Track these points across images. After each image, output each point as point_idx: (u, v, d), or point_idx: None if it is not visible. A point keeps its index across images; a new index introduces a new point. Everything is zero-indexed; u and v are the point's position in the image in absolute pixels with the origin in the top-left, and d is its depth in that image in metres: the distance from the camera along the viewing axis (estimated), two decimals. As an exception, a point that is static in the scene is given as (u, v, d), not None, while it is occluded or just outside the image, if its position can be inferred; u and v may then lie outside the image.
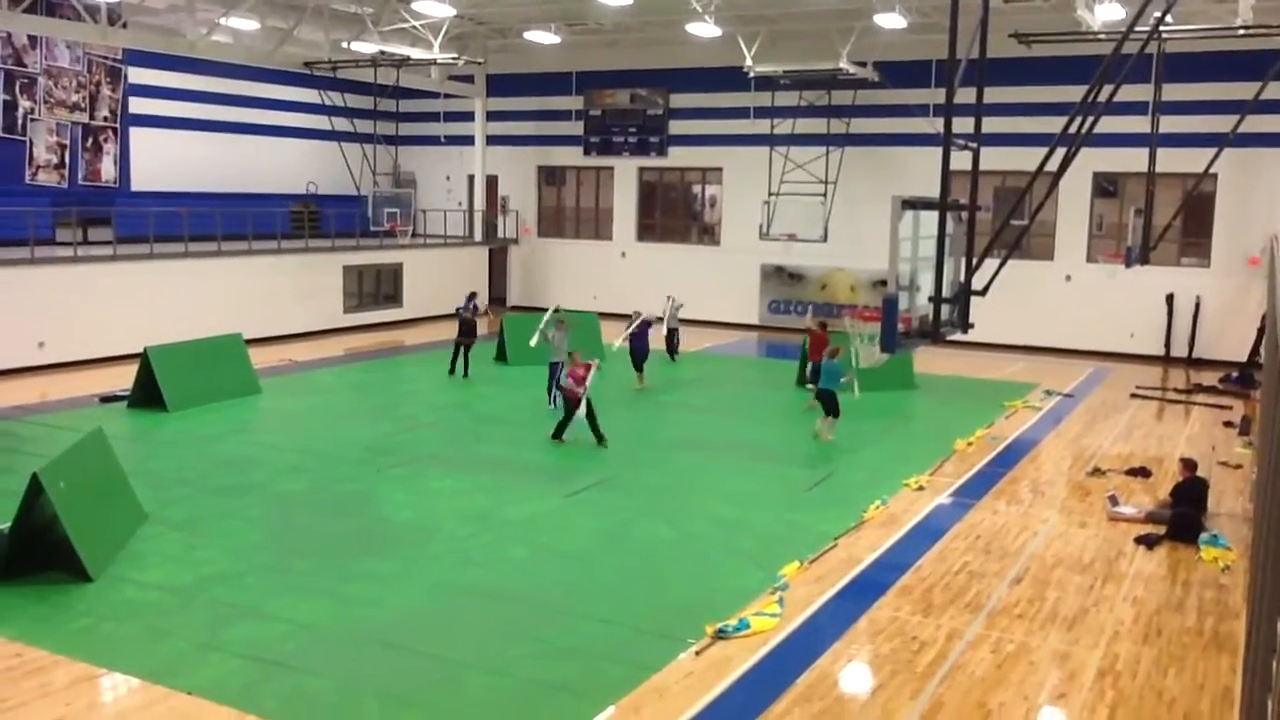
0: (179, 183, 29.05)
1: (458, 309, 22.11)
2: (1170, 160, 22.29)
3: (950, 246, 10.71)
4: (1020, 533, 12.36)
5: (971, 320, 11.19)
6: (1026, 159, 13.92)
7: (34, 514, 10.11)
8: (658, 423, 17.94)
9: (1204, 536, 11.98)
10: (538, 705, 7.98)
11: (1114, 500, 13.28)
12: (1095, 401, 20.70)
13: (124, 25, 25.78)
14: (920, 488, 14.10)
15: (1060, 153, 11.24)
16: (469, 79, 32.78)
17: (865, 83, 27.32)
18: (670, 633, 9.18)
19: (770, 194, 29.40)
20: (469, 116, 33.64)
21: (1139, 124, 21.53)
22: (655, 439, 16.75)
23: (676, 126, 31.64)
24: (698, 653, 8.80)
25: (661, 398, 20.11)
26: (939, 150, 10.30)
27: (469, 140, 33.78)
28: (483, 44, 31.65)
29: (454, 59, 28.27)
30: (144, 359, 17.94)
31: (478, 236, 33.57)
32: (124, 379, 19.02)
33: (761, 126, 29.63)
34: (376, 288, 29.72)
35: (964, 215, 11.17)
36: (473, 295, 25.07)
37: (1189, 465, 13.33)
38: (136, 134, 28.58)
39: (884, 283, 10.84)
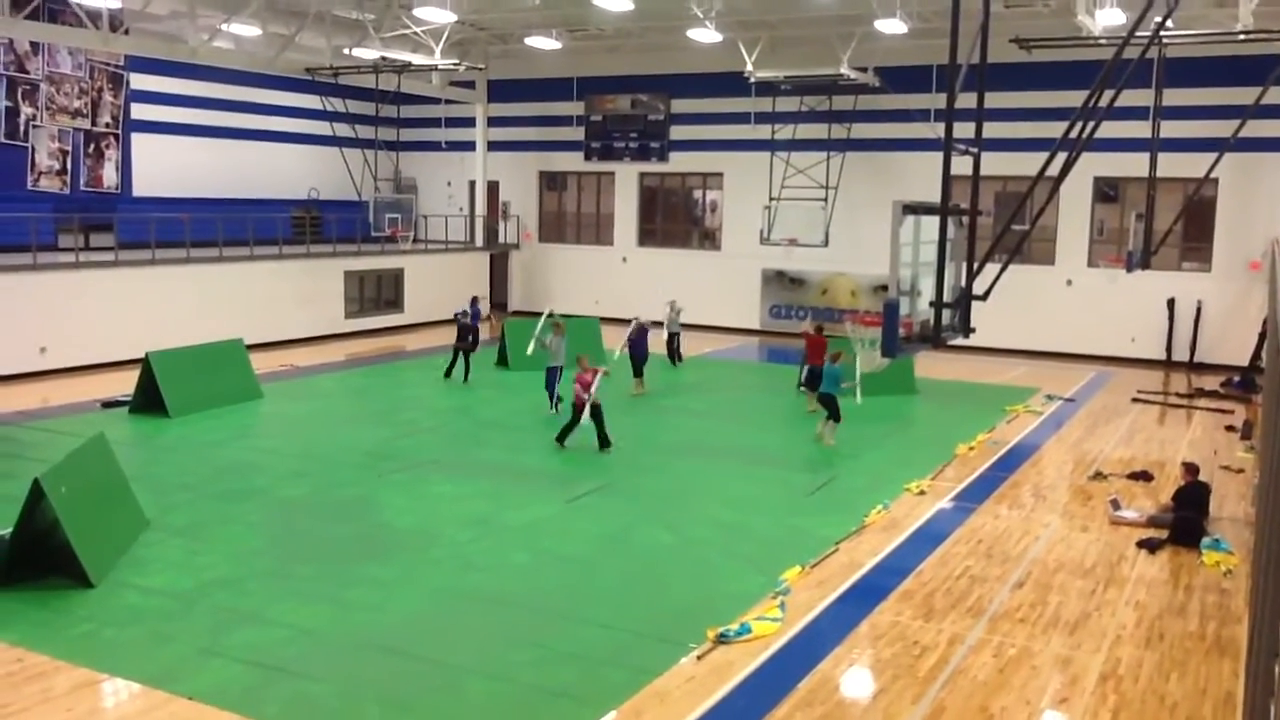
0: (180, 189, 29.09)
1: (455, 314, 22.11)
2: (1171, 165, 22.31)
3: (951, 251, 10.72)
4: (1022, 537, 12.35)
5: (973, 325, 11.21)
6: (1028, 164, 13.92)
7: (35, 519, 10.11)
8: (659, 427, 17.93)
9: (1206, 541, 11.96)
10: (538, 711, 7.97)
11: (1116, 505, 13.27)
12: (1097, 406, 20.69)
13: (126, 31, 25.83)
14: (922, 492, 14.09)
15: (1061, 157, 11.26)
16: (470, 85, 32.84)
17: (866, 88, 27.36)
18: (671, 637, 9.17)
19: (771, 199, 29.43)
20: (470, 122, 33.69)
21: (1140, 129, 21.57)
22: (656, 444, 16.74)
23: (677, 132, 31.67)
24: (699, 657, 8.79)
25: (662, 402, 20.11)
26: (940, 155, 10.31)
27: (470, 146, 33.82)
28: (484, 50, 31.70)
29: (455, 65, 28.32)
30: (145, 364, 17.95)
31: (479, 242, 33.59)
32: (126, 384, 19.02)
33: (762, 132, 29.66)
34: (378, 293, 29.75)
35: (965, 220, 11.18)
36: (475, 300, 25.11)
37: (1191, 469, 13.31)
38: (138, 140, 28.63)
39: (885, 288, 10.85)
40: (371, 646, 8.96)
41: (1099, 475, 15.11)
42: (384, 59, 27.55)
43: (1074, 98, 12.51)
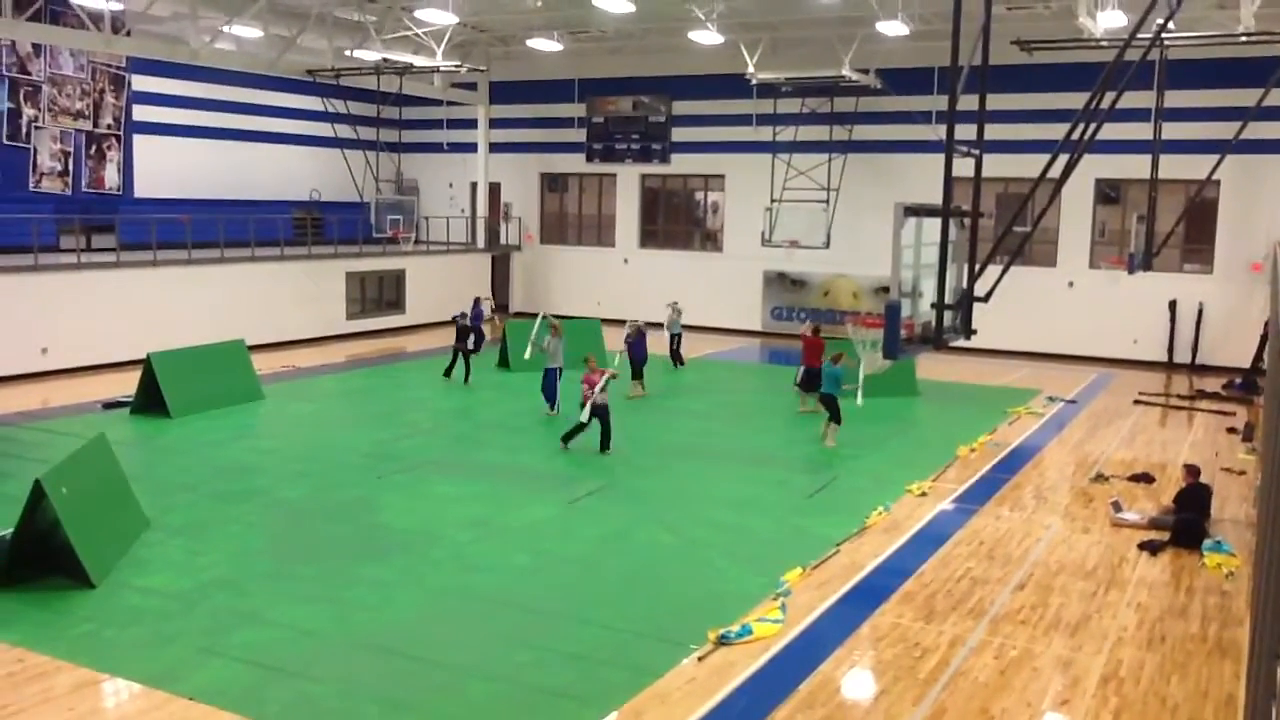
0: (182, 190, 29.12)
1: (454, 316, 22.12)
2: (1173, 167, 22.32)
3: (953, 253, 10.71)
4: (1023, 539, 12.34)
5: (974, 327, 11.19)
6: (1029, 165, 13.92)
7: (36, 520, 10.11)
8: (659, 429, 17.93)
9: (1207, 543, 11.95)
10: (539, 711, 7.97)
11: (1117, 506, 13.26)
12: (1098, 407, 20.67)
13: (128, 33, 25.87)
14: (923, 494, 14.08)
15: (1063, 159, 11.24)
16: (472, 86, 32.86)
17: (867, 89, 27.35)
18: (672, 638, 9.17)
19: (772, 201, 29.43)
20: (472, 123, 33.72)
21: (1141, 130, 21.56)
22: (657, 445, 16.74)
23: (679, 133, 31.68)
24: (700, 658, 8.79)
25: (663, 404, 20.10)
26: (941, 157, 10.30)
27: (472, 147, 33.84)
28: (485, 51, 31.72)
29: (457, 66, 28.33)
30: (147, 365, 17.96)
31: (480, 243, 33.61)
32: (127, 385, 19.04)
33: (764, 133, 29.68)
34: (379, 294, 29.77)
35: (966, 222, 11.17)
36: (478, 301, 25.12)
37: (1192, 471, 13.30)
38: (140, 141, 28.65)
39: (886, 289, 10.85)
40: (372, 647, 8.96)
41: (1100, 477, 15.10)
42: (385, 61, 27.55)
43: (1076, 99, 12.49)
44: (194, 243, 24.51)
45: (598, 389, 15.51)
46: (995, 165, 13.59)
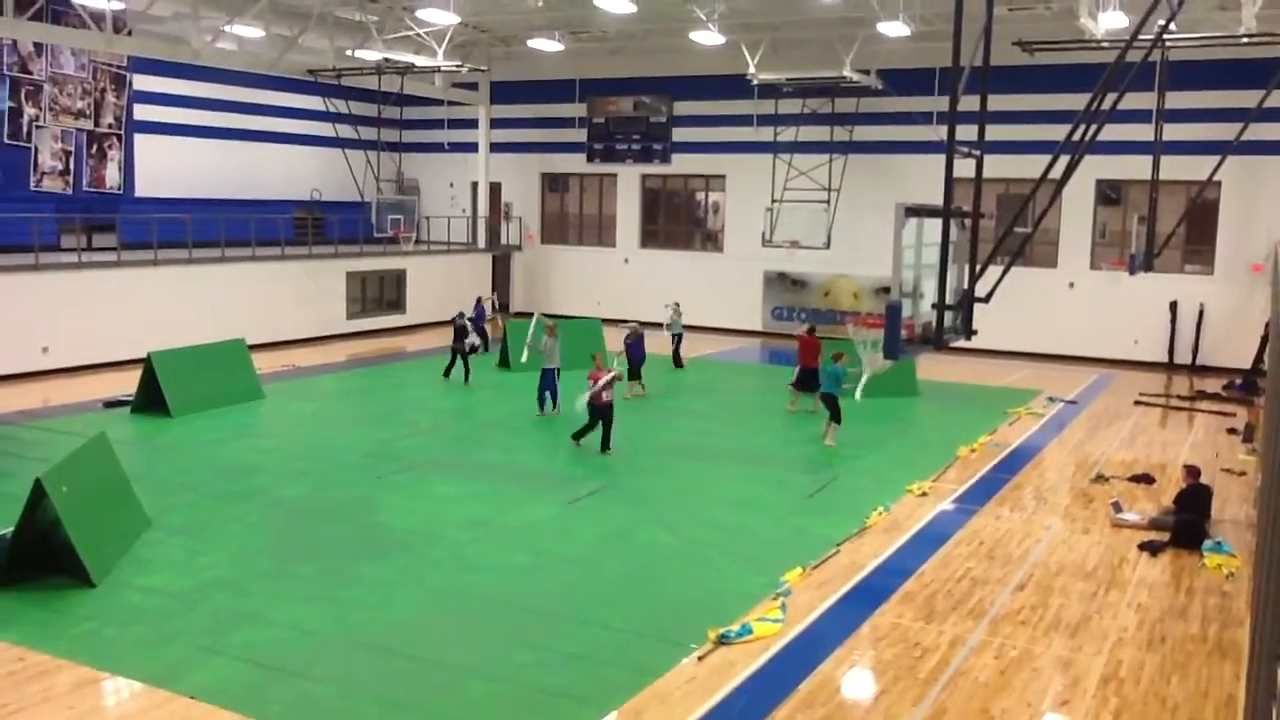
0: (183, 189, 29.12)
1: (453, 318, 22.14)
2: (1174, 168, 22.31)
3: (954, 253, 10.71)
4: (1023, 539, 12.34)
5: (975, 327, 11.19)
6: (1030, 166, 13.93)
7: (37, 519, 10.12)
8: (660, 428, 17.93)
9: (1208, 543, 11.96)
10: (539, 711, 7.97)
11: (1117, 507, 13.26)
12: (1099, 408, 20.67)
13: (129, 33, 25.87)
14: (923, 494, 14.08)
15: (1064, 160, 11.24)
16: (473, 86, 32.86)
17: (868, 90, 27.35)
18: (672, 638, 9.17)
19: (773, 201, 29.43)
20: (473, 123, 33.73)
21: (1142, 131, 21.54)
22: (657, 445, 16.74)
23: (680, 134, 31.68)
24: (700, 658, 8.79)
25: (663, 404, 20.10)
26: (942, 157, 10.30)
27: (473, 147, 33.85)
28: (486, 51, 31.73)
29: (458, 66, 28.34)
30: (148, 364, 17.97)
31: (481, 243, 33.62)
32: (128, 384, 19.04)
33: (765, 134, 29.68)
34: (380, 294, 29.78)
35: (967, 222, 11.17)
36: (480, 301, 25.13)
37: (1192, 472, 13.29)
38: (141, 141, 28.66)
39: (887, 289, 10.84)
40: (372, 646, 8.97)
41: (1101, 478, 15.10)
42: (387, 60, 27.56)
43: (1077, 100, 12.48)
44: (195, 242, 24.53)
45: (600, 384, 15.53)
46: (996, 166, 13.58)
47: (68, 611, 9.54)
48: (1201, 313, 25.53)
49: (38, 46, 25.99)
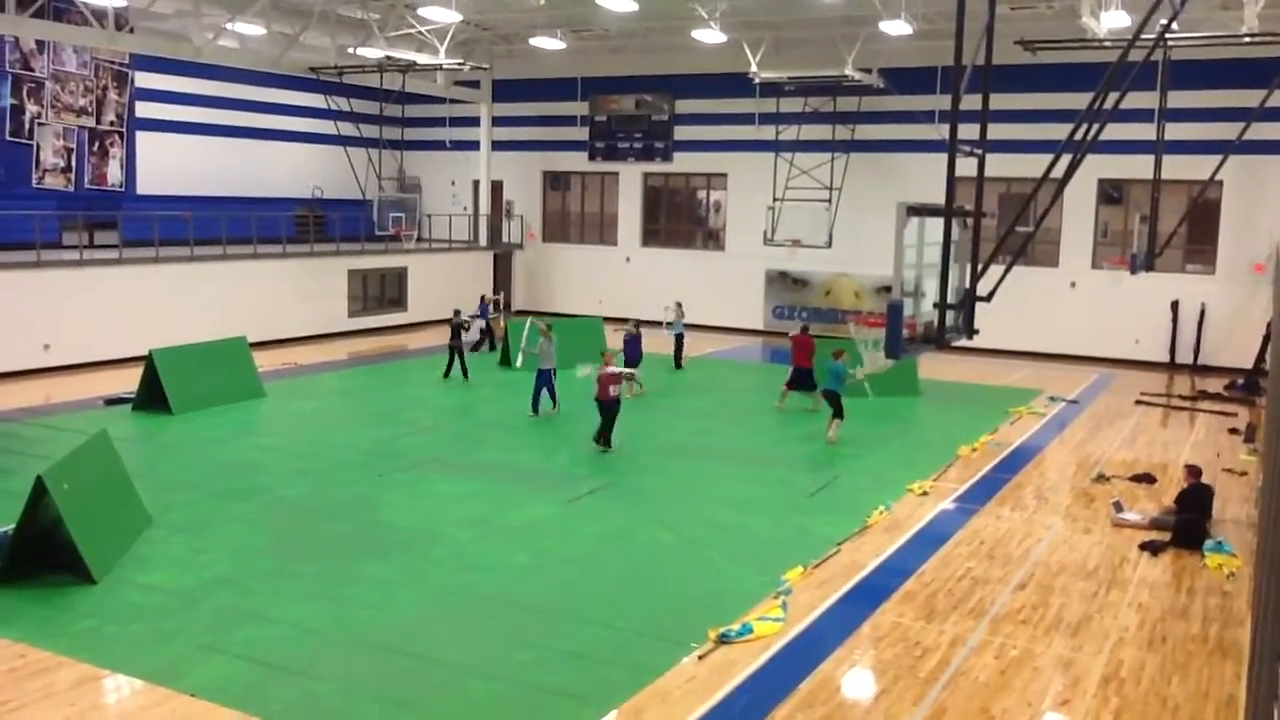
0: (184, 187, 29.13)
1: (451, 316, 22.15)
2: (1176, 167, 22.30)
3: (955, 253, 10.72)
4: (1024, 539, 12.34)
5: (976, 326, 11.19)
6: (1032, 165, 13.92)
7: (38, 516, 10.13)
8: (660, 427, 17.92)
9: (1209, 543, 11.95)
10: (539, 710, 7.97)
11: (1118, 507, 13.26)
12: (1100, 408, 20.66)
13: (131, 30, 25.87)
14: (924, 493, 14.08)
15: (1066, 159, 11.25)
16: (475, 84, 32.85)
17: (870, 89, 27.34)
18: (672, 637, 9.17)
19: (775, 200, 29.42)
20: (474, 121, 33.72)
21: (1144, 131, 21.54)
22: (657, 444, 16.73)
23: (681, 132, 31.67)
24: (700, 657, 8.79)
25: (664, 402, 20.10)
26: (944, 156, 10.31)
27: (474, 145, 33.84)
28: (488, 50, 31.72)
29: (460, 64, 28.32)
30: (149, 362, 17.99)
31: (482, 241, 33.62)
32: (129, 382, 19.06)
33: (766, 132, 29.67)
34: (381, 292, 29.78)
35: (969, 221, 11.18)
36: (483, 299, 25.15)
37: (1193, 472, 13.29)
38: (143, 138, 28.66)
39: (889, 289, 10.84)
40: (372, 645, 8.97)
41: (1102, 477, 15.09)
42: (389, 58, 27.57)
43: (1079, 99, 12.48)
44: (196, 240, 24.54)
45: (611, 368, 15.71)
46: (998, 165, 13.59)
47: (69, 609, 9.55)
48: (1203, 312, 25.51)
49: (40, 43, 26.00)
